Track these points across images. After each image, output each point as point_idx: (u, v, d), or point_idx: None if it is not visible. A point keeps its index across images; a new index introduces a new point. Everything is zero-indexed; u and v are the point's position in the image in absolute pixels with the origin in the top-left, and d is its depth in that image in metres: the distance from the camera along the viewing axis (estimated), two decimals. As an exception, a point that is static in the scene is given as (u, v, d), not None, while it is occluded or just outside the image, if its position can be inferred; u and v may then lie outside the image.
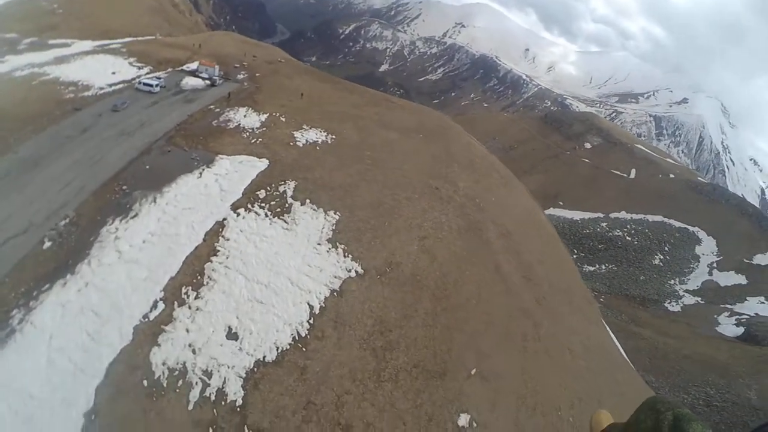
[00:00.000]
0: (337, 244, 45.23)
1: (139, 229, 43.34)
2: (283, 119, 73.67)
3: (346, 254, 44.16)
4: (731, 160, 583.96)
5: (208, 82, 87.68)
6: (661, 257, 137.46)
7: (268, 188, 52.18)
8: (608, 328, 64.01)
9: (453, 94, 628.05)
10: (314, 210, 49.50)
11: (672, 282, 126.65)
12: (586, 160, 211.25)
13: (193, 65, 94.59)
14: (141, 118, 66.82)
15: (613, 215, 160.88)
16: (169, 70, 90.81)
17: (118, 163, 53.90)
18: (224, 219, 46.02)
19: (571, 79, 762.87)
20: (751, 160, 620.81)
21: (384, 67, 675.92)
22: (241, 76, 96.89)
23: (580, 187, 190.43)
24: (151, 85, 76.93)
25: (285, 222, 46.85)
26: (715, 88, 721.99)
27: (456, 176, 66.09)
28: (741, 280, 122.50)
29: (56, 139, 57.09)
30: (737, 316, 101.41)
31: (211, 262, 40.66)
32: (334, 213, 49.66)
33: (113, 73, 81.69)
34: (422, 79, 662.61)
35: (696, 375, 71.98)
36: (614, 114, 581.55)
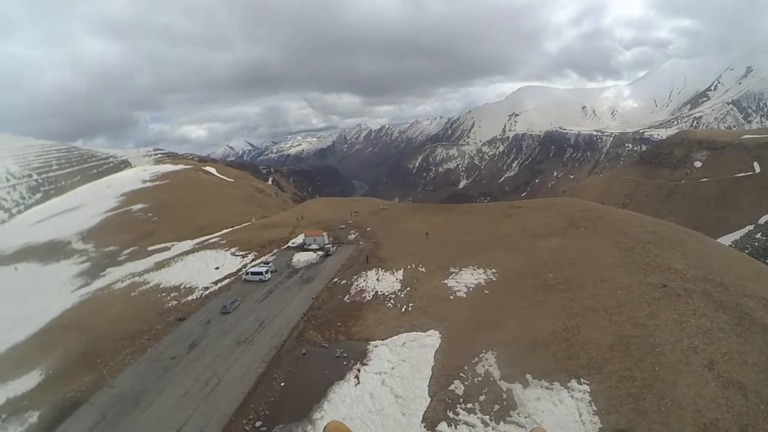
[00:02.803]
0: None
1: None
2: (423, 269, 60.47)
3: None
4: None
5: (320, 252, 77.37)
6: None
7: (462, 374, 36.03)
8: None
9: (536, 180, 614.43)
10: (548, 388, 32.45)
11: None
12: (705, 179, 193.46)
13: (299, 239, 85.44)
14: (258, 315, 54.82)
15: (762, 220, 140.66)
16: (275, 251, 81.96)
17: (241, 386, 40.03)
18: (427, 450, 29.66)
19: (637, 113, 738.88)
20: None
21: (463, 183, 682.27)
22: (353, 236, 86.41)
23: (714, 209, 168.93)
24: (260, 273, 66.81)
25: (519, 426, 29.77)
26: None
27: (662, 260, 51.01)
28: None
29: (159, 363, 45.28)
30: None
31: None
32: (578, 382, 32.47)
33: (216, 268, 74.09)
34: (502, 179, 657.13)
35: None
36: (694, 122, 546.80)
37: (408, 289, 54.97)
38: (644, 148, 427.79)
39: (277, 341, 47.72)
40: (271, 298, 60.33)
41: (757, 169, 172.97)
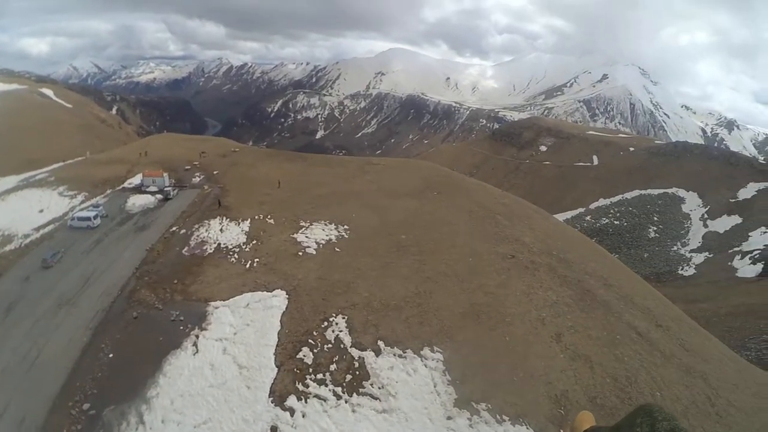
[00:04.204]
0: (473, 403, 27.84)
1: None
2: (271, 221, 56.25)
3: (498, 417, 26.95)
4: (665, 114, 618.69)
5: (159, 196, 68.98)
6: (655, 228, 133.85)
7: (311, 341, 33.35)
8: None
9: (392, 140, 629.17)
10: (401, 356, 31.17)
11: (675, 248, 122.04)
12: (547, 162, 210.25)
13: (136, 179, 75.72)
14: (84, 270, 46.95)
15: (593, 206, 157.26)
16: (108, 192, 71.62)
17: (64, 359, 33.52)
18: (275, 429, 26.51)
19: (496, 93, 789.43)
20: (682, 107, 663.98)
21: (320, 134, 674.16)
22: (198, 179, 78.41)
23: (552, 190, 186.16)
24: (88, 219, 57.65)
25: (374, 398, 28.05)
26: (628, 55, 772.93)
27: (512, 231, 53.35)
28: (735, 220, 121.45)
29: (-30, 336, 36.83)
30: (749, 255, 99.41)
31: None
32: (431, 350, 31.73)
33: (40, 211, 62.82)
34: (359, 134, 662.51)
35: (747, 328, 62.67)
36: (546, 111, 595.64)
37: (254, 242, 50.72)
38: (496, 126, 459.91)
39: (105, 302, 40.94)
40: (99, 248, 52.32)
41: (596, 162, 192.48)
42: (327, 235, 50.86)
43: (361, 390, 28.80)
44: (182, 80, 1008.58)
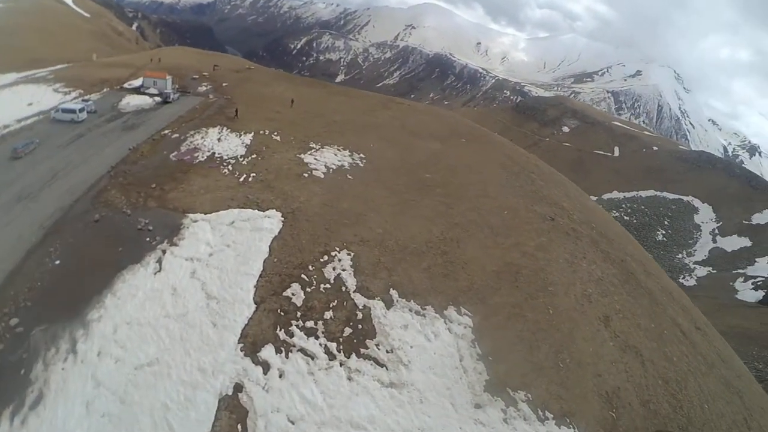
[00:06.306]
0: (509, 390, 21.32)
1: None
2: (278, 137, 48.86)
3: (541, 414, 20.81)
4: (691, 123, 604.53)
5: (158, 98, 62.73)
6: (663, 232, 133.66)
7: (305, 276, 26.31)
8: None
9: (412, 95, 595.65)
10: (419, 314, 24.20)
11: (680, 256, 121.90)
12: (568, 144, 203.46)
13: (138, 81, 69.37)
14: (54, 164, 40.92)
15: (606, 196, 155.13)
16: (105, 90, 65.45)
17: (5, 262, 27.02)
18: (239, 388, 19.71)
19: (525, 67, 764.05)
20: (709, 120, 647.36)
21: (340, 77, 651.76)
22: (204, 88, 71.23)
23: (567, 173, 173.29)
24: (72, 111, 52.09)
25: (379, 364, 21.14)
26: (666, 56, 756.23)
27: (548, 193, 46.67)
28: (745, 242, 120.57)
29: None
30: (752, 280, 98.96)
31: None
32: (457, 311, 24.77)
33: (29, 104, 57.59)
34: (380, 84, 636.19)
35: (739, 351, 59.26)
36: (572, 95, 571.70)
37: (254, 156, 43.48)
38: (519, 99, 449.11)
39: (67, 200, 34.57)
40: (79, 143, 46.34)
41: (617, 153, 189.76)
42: (339, 161, 43.76)
43: (362, 351, 21.87)
44: (207, 5, 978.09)
